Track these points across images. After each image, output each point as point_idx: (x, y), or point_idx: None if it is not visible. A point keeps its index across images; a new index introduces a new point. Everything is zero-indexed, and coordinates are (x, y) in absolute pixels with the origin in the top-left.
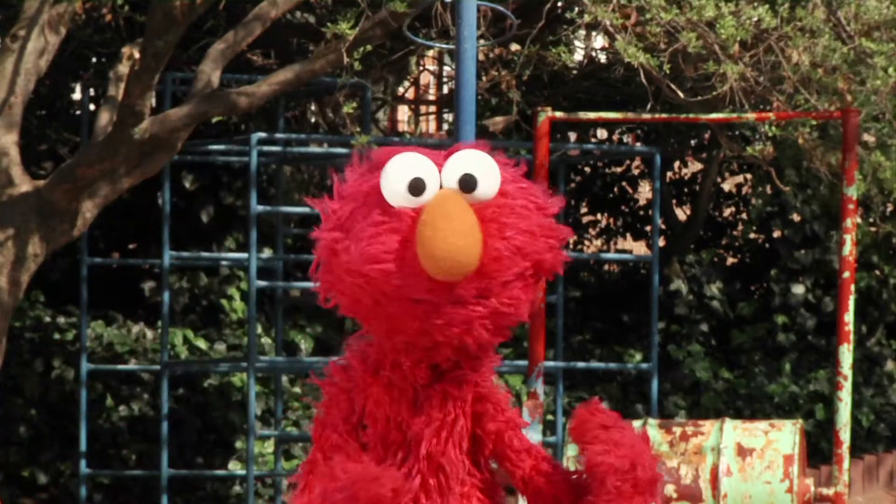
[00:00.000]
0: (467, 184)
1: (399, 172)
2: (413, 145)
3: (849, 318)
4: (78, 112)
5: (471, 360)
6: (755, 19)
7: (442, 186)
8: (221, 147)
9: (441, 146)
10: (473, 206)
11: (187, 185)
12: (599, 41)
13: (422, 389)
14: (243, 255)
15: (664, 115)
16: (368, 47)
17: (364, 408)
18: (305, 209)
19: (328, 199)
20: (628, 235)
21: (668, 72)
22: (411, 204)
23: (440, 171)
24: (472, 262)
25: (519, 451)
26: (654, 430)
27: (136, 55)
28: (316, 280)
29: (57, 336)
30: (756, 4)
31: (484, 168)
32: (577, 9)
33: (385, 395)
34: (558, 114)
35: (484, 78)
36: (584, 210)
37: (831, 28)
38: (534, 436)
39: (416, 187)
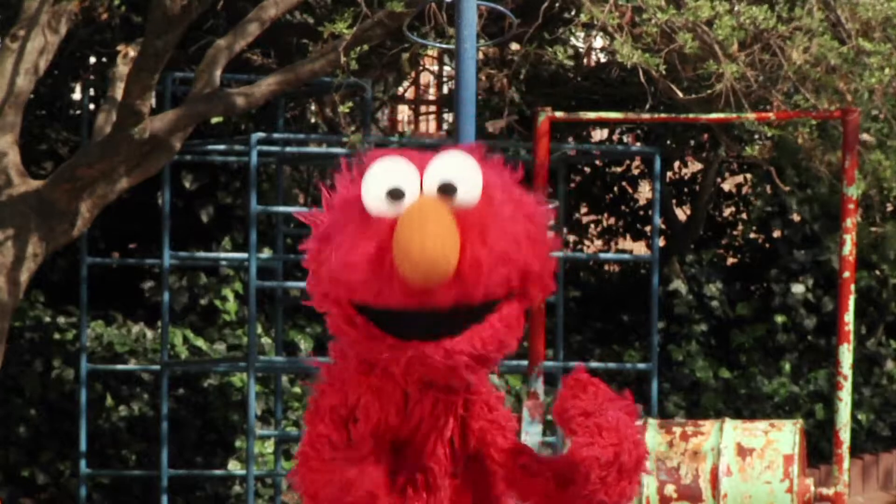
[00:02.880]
0: (447, 190)
1: (378, 179)
2: (404, 147)
3: (849, 318)
4: (78, 112)
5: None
6: (753, 19)
7: (423, 193)
8: (221, 147)
9: (439, 146)
10: (455, 212)
11: (187, 185)
12: (598, 41)
13: (412, 394)
14: (243, 255)
15: (664, 115)
16: (366, 47)
17: (356, 401)
18: (305, 209)
19: (317, 210)
20: (628, 235)
21: (664, 73)
22: (391, 211)
23: (422, 177)
24: (449, 267)
25: (503, 450)
26: (654, 429)
27: (132, 53)
28: (309, 291)
29: (57, 336)
30: (752, 4)
31: (464, 173)
32: (574, 9)
33: (374, 399)
34: (558, 114)
35: (482, 78)
36: (584, 210)
37: (829, 27)
38: (534, 436)
39: (395, 194)
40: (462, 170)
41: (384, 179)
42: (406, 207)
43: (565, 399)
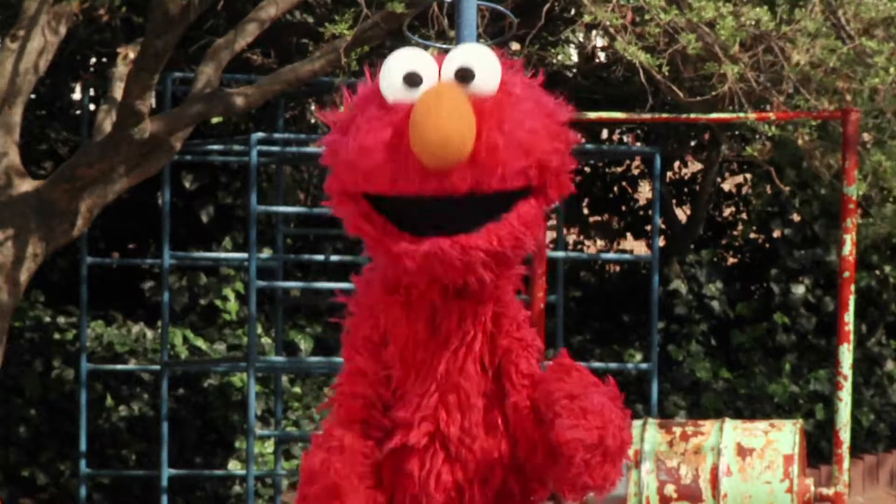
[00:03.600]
0: (464, 75)
1: (395, 66)
2: None
3: (849, 318)
4: (78, 112)
5: (483, 285)
6: (754, 21)
7: (440, 80)
8: (221, 147)
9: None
10: (472, 99)
11: (187, 185)
12: (599, 41)
13: (440, 307)
14: (243, 255)
15: (664, 115)
16: (366, 47)
17: (385, 324)
18: (305, 209)
19: (337, 110)
20: (628, 235)
21: (667, 73)
22: (408, 97)
23: (440, 67)
24: (464, 147)
25: (524, 374)
26: (654, 429)
27: (132, 55)
28: (327, 190)
29: (57, 336)
30: (755, 5)
31: (482, 61)
32: (573, 10)
33: (402, 315)
34: None
35: None
36: (584, 210)
37: (830, 27)
38: None
39: (412, 80)
40: (480, 58)
41: (401, 66)
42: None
43: (549, 382)
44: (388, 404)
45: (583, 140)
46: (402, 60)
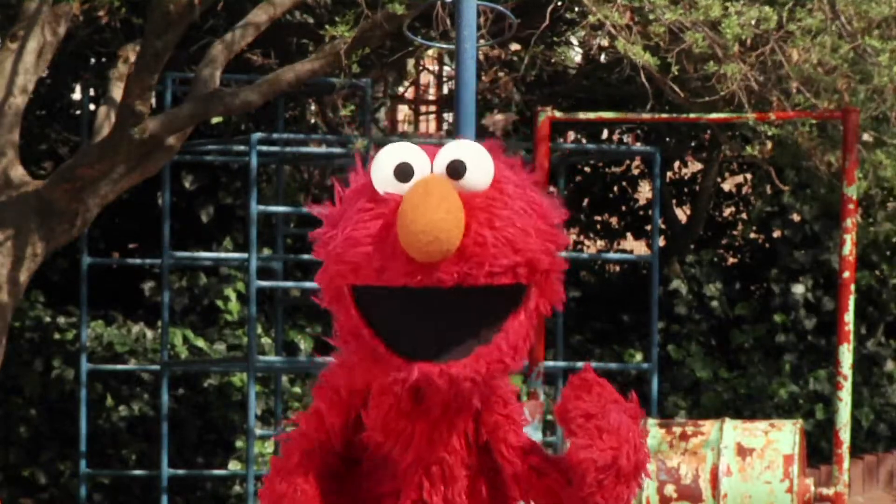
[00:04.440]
0: (455, 169)
1: (387, 159)
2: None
3: (849, 318)
4: (78, 112)
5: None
6: (756, 20)
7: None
8: (221, 147)
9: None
10: (462, 194)
11: (187, 185)
12: (601, 41)
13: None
14: (243, 255)
15: (664, 115)
16: (367, 49)
17: (365, 383)
18: (305, 209)
19: (329, 203)
20: (629, 235)
21: (676, 73)
22: (399, 190)
23: (432, 162)
24: (451, 241)
25: (514, 447)
26: (654, 430)
27: (132, 57)
28: (318, 282)
29: (57, 336)
30: (758, 5)
31: (475, 157)
32: (577, 9)
33: (388, 385)
34: (558, 114)
35: (484, 77)
36: (584, 210)
37: (832, 26)
38: (534, 435)
39: (404, 172)
40: (473, 153)
41: (393, 158)
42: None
43: (567, 399)
44: (342, 455)
45: (583, 141)
46: (393, 153)
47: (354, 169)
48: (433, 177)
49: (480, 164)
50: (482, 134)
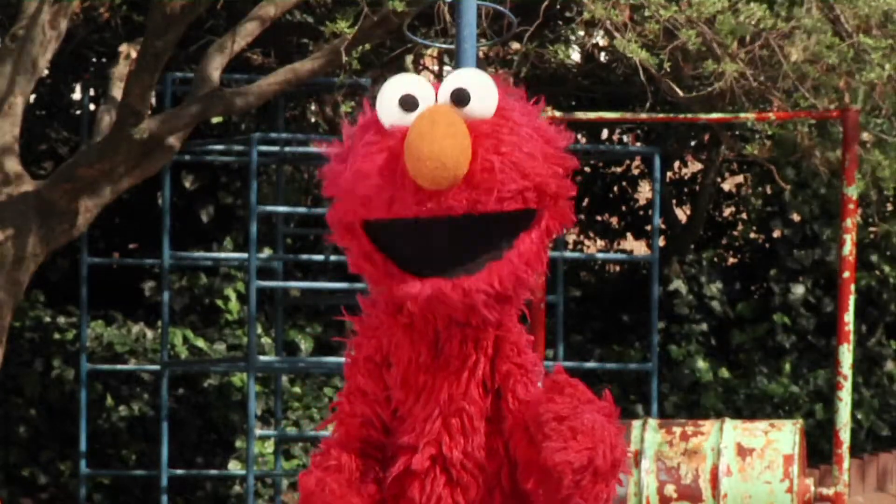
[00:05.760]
0: (460, 97)
1: (392, 90)
2: None
3: (849, 318)
4: (78, 112)
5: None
6: (753, 17)
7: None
8: (221, 147)
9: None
10: (468, 121)
11: (187, 184)
12: (599, 40)
13: (442, 331)
14: (243, 255)
15: (664, 115)
16: (367, 46)
17: (388, 345)
18: (305, 209)
19: (336, 141)
20: (629, 235)
21: (668, 69)
22: (404, 121)
23: (437, 92)
24: (459, 168)
25: (520, 400)
26: (654, 430)
27: (133, 54)
28: (329, 221)
29: (57, 336)
30: (753, 3)
31: (479, 84)
32: (576, 7)
33: (405, 338)
34: (557, 113)
35: None
36: (584, 210)
37: (828, 24)
38: None
39: (408, 103)
40: (477, 81)
41: (398, 90)
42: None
43: (539, 402)
44: (388, 425)
45: (583, 141)
46: (397, 85)
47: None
48: (438, 106)
49: (485, 92)
50: None
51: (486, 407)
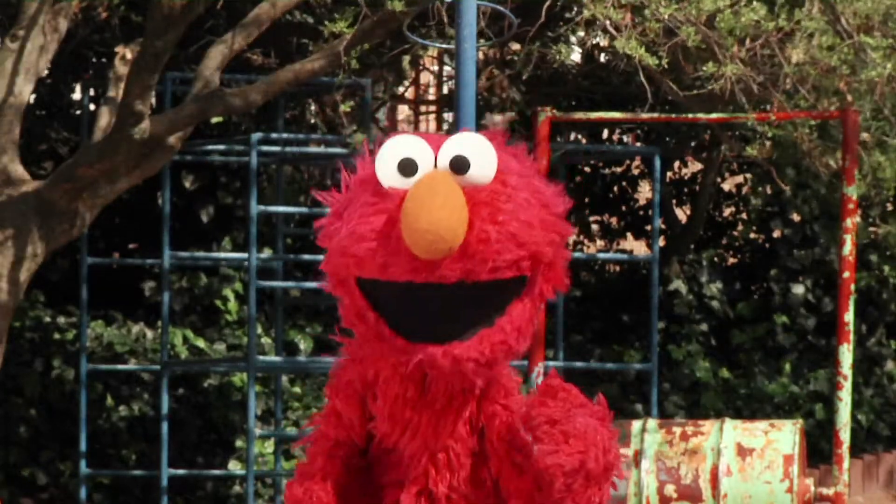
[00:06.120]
0: (459, 165)
1: (392, 153)
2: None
3: (849, 318)
4: (78, 112)
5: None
6: (754, 19)
7: (436, 168)
8: (221, 147)
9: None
10: (466, 189)
11: (187, 185)
12: (599, 40)
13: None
14: (243, 255)
15: (664, 115)
16: (366, 46)
17: (374, 374)
18: (305, 209)
19: (335, 191)
20: (629, 235)
21: (666, 66)
22: (403, 185)
23: (436, 154)
24: (455, 239)
25: (503, 440)
26: (654, 429)
27: (129, 55)
28: (323, 269)
29: (57, 336)
30: (754, 4)
31: (478, 151)
32: (576, 8)
33: (393, 373)
34: (558, 114)
35: (483, 77)
36: (585, 210)
37: (828, 23)
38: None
39: (408, 167)
40: (476, 148)
41: (397, 153)
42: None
43: (532, 406)
44: (362, 447)
45: (583, 142)
46: (397, 147)
47: (360, 158)
48: (437, 173)
49: (484, 159)
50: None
51: (472, 444)
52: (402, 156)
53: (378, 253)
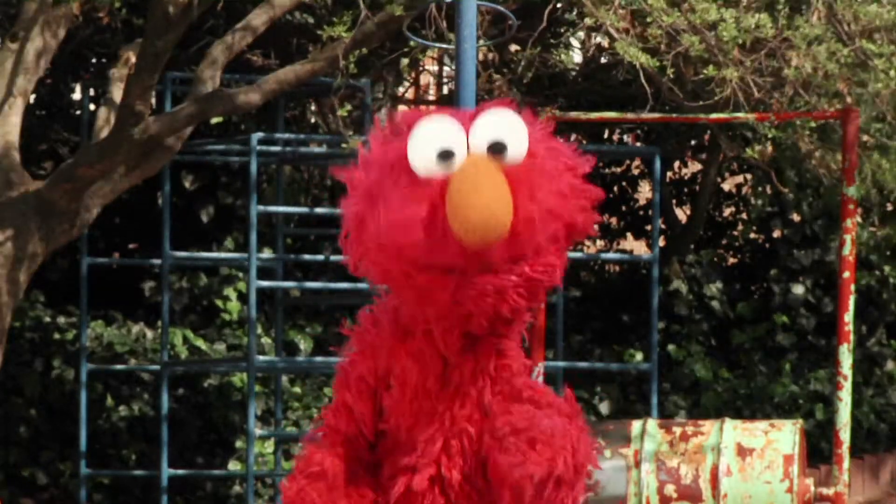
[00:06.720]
0: (496, 149)
1: (426, 140)
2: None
3: (849, 318)
4: (78, 112)
5: (504, 325)
6: (754, 25)
7: (470, 150)
8: (221, 147)
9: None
10: (503, 169)
11: (187, 185)
12: (599, 40)
13: (451, 358)
14: (243, 256)
15: (664, 115)
16: (365, 49)
17: (387, 368)
18: (305, 209)
19: (354, 168)
20: (629, 235)
21: (671, 75)
22: (440, 171)
23: (467, 135)
24: (505, 226)
25: (502, 417)
26: (654, 429)
27: (133, 59)
28: (345, 250)
29: (57, 336)
30: (755, 12)
31: (513, 131)
32: (576, 10)
33: (413, 364)
34: (558, 114)
35: (482, 78)
36: None
37: (832, 31)
38: None
39: (445, 155)
40: (510, 128)
41: (433, 140)
42: (456, 167)
43: (496, 416)
44: (372, 442)
45: (584, 142)
46: (431, 133)
47: (375, 134)
48: (477, 160)
49: (517, 138)
50: None
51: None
52: (438, 144)
53: (424, 243)
